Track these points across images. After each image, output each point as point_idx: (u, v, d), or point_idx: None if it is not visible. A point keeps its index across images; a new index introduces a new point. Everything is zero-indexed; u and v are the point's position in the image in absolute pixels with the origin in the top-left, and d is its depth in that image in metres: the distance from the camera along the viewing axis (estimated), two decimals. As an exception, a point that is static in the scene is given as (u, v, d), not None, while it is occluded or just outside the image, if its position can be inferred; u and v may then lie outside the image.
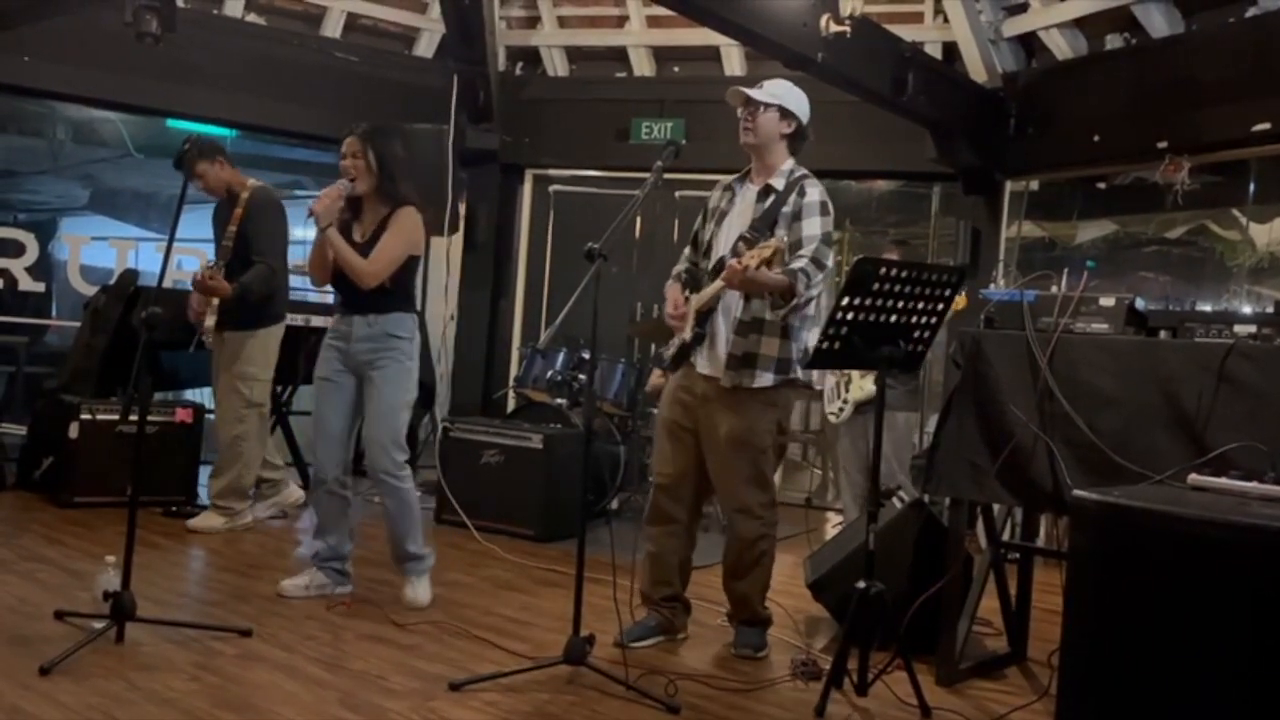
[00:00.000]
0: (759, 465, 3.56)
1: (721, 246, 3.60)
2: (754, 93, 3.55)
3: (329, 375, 3.97)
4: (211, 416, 5.34)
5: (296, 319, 5.52)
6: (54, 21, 5.77)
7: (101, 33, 5.89)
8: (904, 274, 3.09)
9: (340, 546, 4.04)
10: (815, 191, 3.54)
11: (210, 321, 4.90)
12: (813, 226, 3.48)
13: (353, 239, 3.91)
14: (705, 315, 3.58)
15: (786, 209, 3.52)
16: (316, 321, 6.04)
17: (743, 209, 3.62)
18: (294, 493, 5.44)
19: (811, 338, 3.63)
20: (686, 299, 3.64)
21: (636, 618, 3.70)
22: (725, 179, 3.75)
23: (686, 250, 3.84)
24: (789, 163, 3.62)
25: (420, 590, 3.97)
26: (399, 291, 3.94)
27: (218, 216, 5.09)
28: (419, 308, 4.10)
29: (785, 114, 3.56)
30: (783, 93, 3.58)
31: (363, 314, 3.91)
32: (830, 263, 3.55)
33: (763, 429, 3.55)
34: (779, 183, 3.58)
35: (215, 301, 4.86)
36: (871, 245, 7.47)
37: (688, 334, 3.59)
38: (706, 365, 3.59)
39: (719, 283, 3.44)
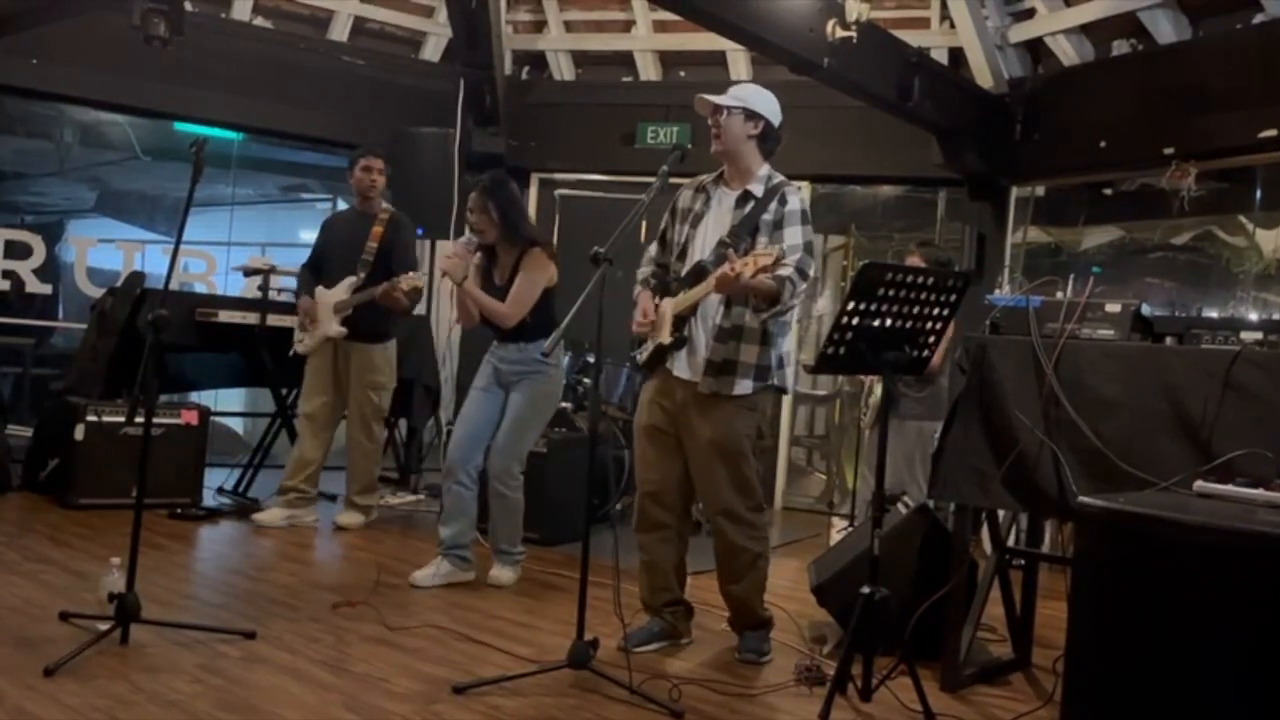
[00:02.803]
0: (740, 469, 3.55)
1: (698, 251, 3.58)
2: (717, 98, 3.54)
3: (484, 385, 4.41)
4: (217, 419, 5.36)
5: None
6: (62, 24, 5.80)
7: (109, 36, 5.92)
8: (909, 279, 3.08)
9: (463, 535, 4.39)
10: (796, 200, 3.54)
11: (338, 329, 5.16)
12: (795, 235, 3.47)
13: (493, 282, 4.37)
14: (682, 319, 3.57)
15: (767, 216, 3.51)
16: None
17: (720, 214, 3.60)
18: (312, 515, 5.44)
19: (786, 344, 3.65)
20: (657, 306, 3.62)
21: (640, 623, 3.70)
22: (696, 179, 3.73)
23: (652, 249, 3.80)
24: (765, 168, 3.61)
25: (504, 573, 4.41)
26: (542, 323, 4.29)
27: (340, 230, 5.39)
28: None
29: (751, 115, 3.54)
30: (747, 95, 3.57)
31: (516, 342, 4.35)
32: (813, 271, 3.54)
33: (743, 434, 3.54)
34: (758, 189, 3.56)
35: (349, 311, 5.14)
36: (877, 251, 7.47)
37: (666, 338, 3.57)
38: (685, 370, 3.57)
39: (705, 287, 3.43)
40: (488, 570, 4.46)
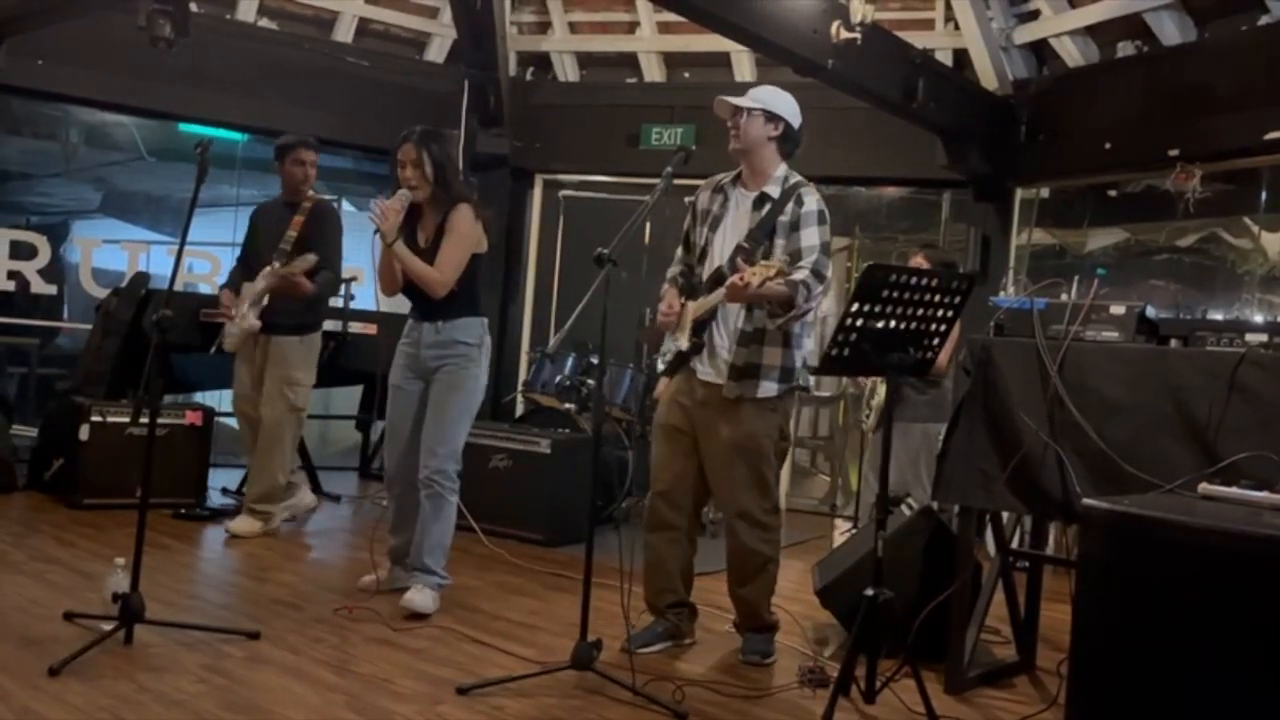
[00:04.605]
0: (761, 470, 3.55)
1: (717, 255, 3.59)
2: (738, 100, 3.55)
3: (399, 382, 4.03)
4: (222, 420, 5.35)
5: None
6: (68, 25, 5.81)
7: (115, 37, 5.93)
8: (914, 281, 3.08)
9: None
10: (813, 201, 3.53)
11: (253, 322, 4.90)
12: (811, 237, 3.47)
13: (416, 245, 3.93)
14: (702, 324, 3.58)
15: (784, 218, 3.51)
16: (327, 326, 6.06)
17: (738, 217, 3.60)
18: (307, 497, 5.44)
19: (810, 344, 3.65)
20: (683, 304, 3.63)
21: (643, 624, 3.70)
22: (715, 178, 3.73)
23: (679, 251, 3.81)
24: (782, 168, 3.61)
25: (421, 596, 3.83)
26: (465, 294, 3.95)
27: (267, 220, 5.14)
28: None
29: (771, 117, 3.55)
30: (767, 97, 3.58)
31: (431, 320, 3.95)
32: (829, 273, 3.53)
33: (764, 435, 3.54)
34: (774, 190, 3.56)
35: (265, 302, 4.91)
36: (881, 252, 7.47)
37: (685, 344, 3.58)
38: (709, 372, 3.58)
39: (718, 295, 3.43)
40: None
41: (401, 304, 4.14)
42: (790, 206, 3.52)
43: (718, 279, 3.51)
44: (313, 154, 5.09)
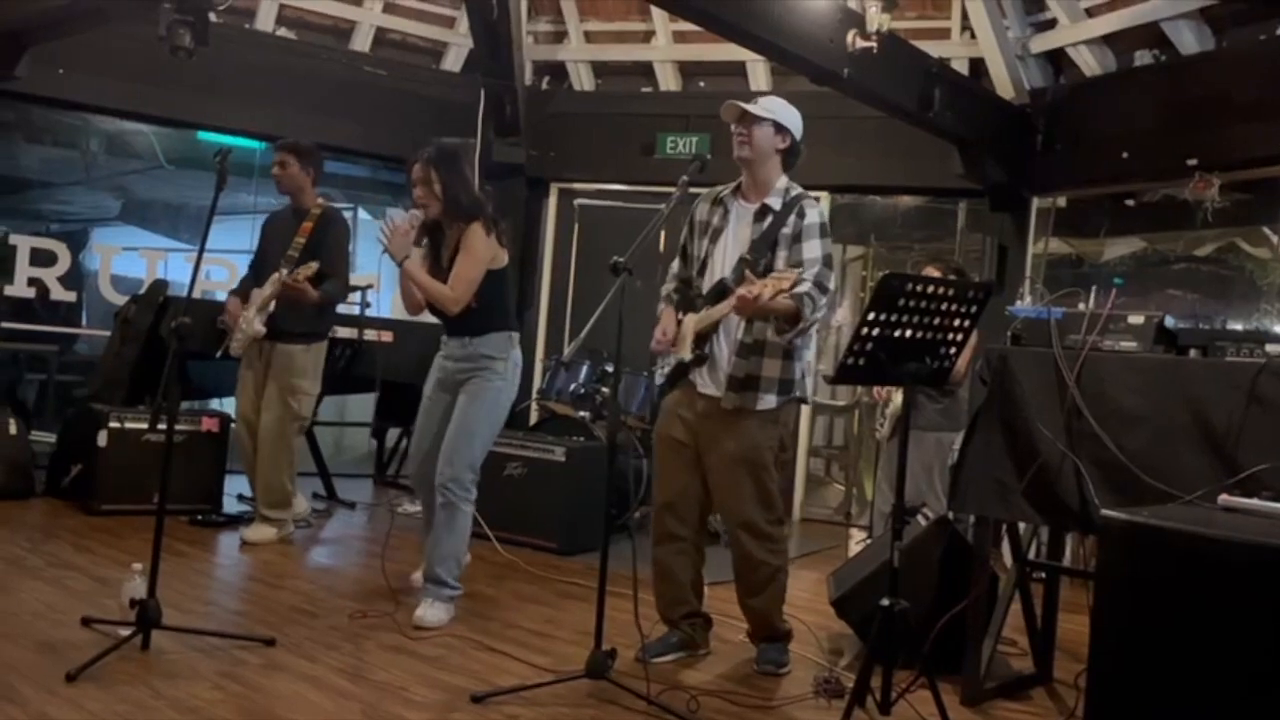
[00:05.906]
0: (762, 481, 3.54)
1: (718, 267, 3.58)
2: (750, 107, 3.54)
3: (429, 393, 4.08)
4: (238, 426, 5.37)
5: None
6: (88, 35, 5.85)
7: (135, 46, 5.97)
8: (930, 290, 3.07)
9: None
10: (814, 213, 3.52)
11: (258, 328, 4.92)
12: (813, 249, 3.46)
13: (439, 263, 3.99)
14: (704, 337, 3.57)
15: (786, 230, 3.51)
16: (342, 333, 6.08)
17: (739, 229, 3.59)
18: (302, 503, 5.44)
19: (809, 355, 3.64)
20: (679, 322, 3.62)
21: (658, 633, 3.70)
22: (713, 190, 3.72)
23: (675, 265, 3.78)
24: (783, 180, 3.60)
25: (431, 610, 3.85)
26: (489, 310, 3.97)
27: (276, 228, 5.16)
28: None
29: (780, 129, 3.55)
30: (777, 108, 3.57)
31: (460, 336, 4.00)
32: (832, 285, 3.53)
33: (765, 446, 3.53)
34: (776, 202, 3.56)
35: (271, 308, 4.91)
36: (896, 261, 7.45)
37: (688, 355, 3.57)
38: (707, 384, 3.57)
39: (725, 307, 3.42)
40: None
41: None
42: (792, 219, 3.51)
43: (720, 292, 3.51)
44: (286, 155, 5.05)
